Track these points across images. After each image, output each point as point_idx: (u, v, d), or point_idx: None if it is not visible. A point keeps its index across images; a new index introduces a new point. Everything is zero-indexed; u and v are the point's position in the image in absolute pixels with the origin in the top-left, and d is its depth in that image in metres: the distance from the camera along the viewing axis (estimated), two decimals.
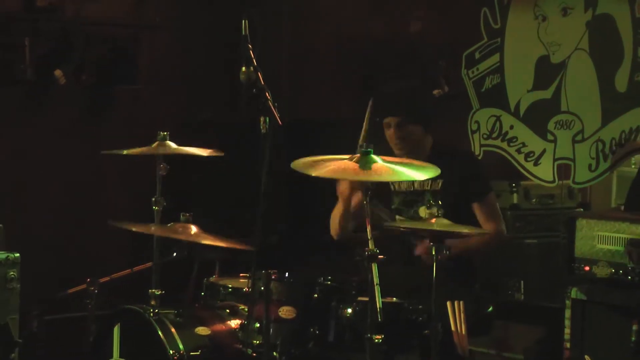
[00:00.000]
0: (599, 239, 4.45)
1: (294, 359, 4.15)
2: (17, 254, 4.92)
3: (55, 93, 6.12)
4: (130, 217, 4.74)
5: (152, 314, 4.34)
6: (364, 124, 4.72)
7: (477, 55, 5.64)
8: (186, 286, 5.03)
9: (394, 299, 4.28)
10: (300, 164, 3.87)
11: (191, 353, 4.24)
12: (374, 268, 3.83)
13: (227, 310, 4.47)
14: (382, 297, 3.83)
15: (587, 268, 4.46)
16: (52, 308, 5.36)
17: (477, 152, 5.59)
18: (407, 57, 6.35)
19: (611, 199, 5.81)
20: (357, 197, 4.69)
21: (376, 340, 3.85)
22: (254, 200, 3.72)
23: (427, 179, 4.71)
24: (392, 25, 6.57)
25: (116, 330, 4.42)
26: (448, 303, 4.25)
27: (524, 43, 5.48)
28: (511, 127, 5.51)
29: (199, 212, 4.67)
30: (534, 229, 5.75)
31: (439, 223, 4.11)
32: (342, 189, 4.71)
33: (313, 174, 3.83)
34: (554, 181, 5.38)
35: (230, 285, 4.62)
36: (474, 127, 5.64)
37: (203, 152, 4.66)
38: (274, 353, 4.11)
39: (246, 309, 4.31)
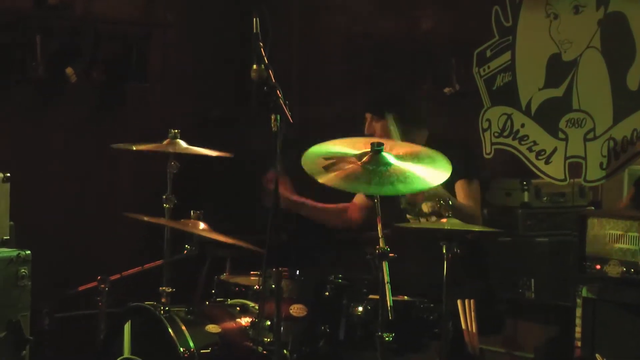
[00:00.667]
0: (610, 237, 4.44)
1: (305, 357, 4.15)
2: (28, 252, 4.93)
3: (66, 91, 6.13)
4: (141, 215, 4.75)
5: (162, 312, 4.34)
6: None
7: (488, 53, 5.63)
8: (197, 284, 5.04)
9: (405, 297, 4.28)
10: (309, 161, 3.87)
11: (201, 351, 4.24)
12: (385, 266, 3.84)
13: (238, 308, 4.48)
14: (393, 295, 3.83)
15: (598, 267, 4.45)
16: (63, 305, 5.38)
17: (488, 150, 5.58)
18: (418, 55, 6.35)
19: (622, 197, 5.79)
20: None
21: (387, 339, 3.86)
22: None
23: None
24: (403, 23, 6.56)
25: (127, 327, 4.42)
26: (459, 301, 4.25)
27: (536, 41, 5.47)
28: (522, 126, 5.50)
29: (210, 210, 4.68)
30: (545, 227, 5.74)
31: (451, 222, 4.12)
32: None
33: (320, 181, 3.81)
34: (565, 179, 5.37)
35: (241, 283, 4.62)
36: (485, 125, 5.62)
37: (212, 152, 4.66)
38: (285, 351, 4.10)
39: (257, 307, 4.31)
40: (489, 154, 5.58)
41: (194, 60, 6.67)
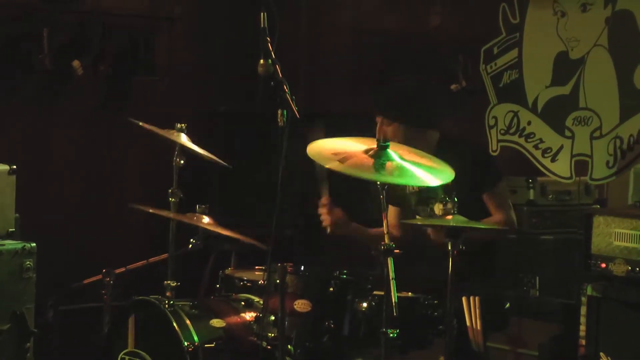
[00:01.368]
0: (615, 236, 4.44)
1: (309, 352, 4.14)
2: (34, 244, 4.94)
3: (73, 83, 6.14)
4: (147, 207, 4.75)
5: (167, 306, 4.34)
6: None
7: (495, 51, 5.62)
8: (201, 278, 5.04)
9: (410, 293, 4.28)
10: (316, 151, 3.90)
11: (206, 345, 4.24)
12: (390, 262, 3.84)
13: (242, 303, 4.48)
14: (397, 291, 3.83)
15: (603, 265, 4.45)
16: (68, 298, 5.39)
17: (494, 148, 5.58)
18: (425, 52, 6.34)
19: (628, 195, 5.78)
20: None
21: (391, 335, 3.86)
22: (270, 192, 3.72)
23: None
24: (410, 19, 6.56)
25: (131, 321, 4.43)
26: (463, 298, 4.25)
27: (543, 39, 5.46)
28: (529, 123, 5.49)
29: (215, 204, 4.68)
30: (550, 225, 5.73)
31: (455, 219, 4.12)
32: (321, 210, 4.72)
33: (327, 166, 3.90)
34: (571, 177, 5.36)
35: (245, 278, 4.62)
36: (492, 122, 5.62)
37: (212, 157, 4.65)
38: (289, 346, 4.10)
39: (261, 302, 4.32)
40: (495, 151, 5.58)
41: (201, 54, 6.68)
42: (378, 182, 3.93)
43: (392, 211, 4.79)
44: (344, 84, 6.76)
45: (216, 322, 4.34)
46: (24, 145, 5.96)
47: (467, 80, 6.06)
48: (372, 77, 6.60)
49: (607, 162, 5.19)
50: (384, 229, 3.89)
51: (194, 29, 6.65)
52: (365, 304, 4.16)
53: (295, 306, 4.13)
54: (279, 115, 3.69)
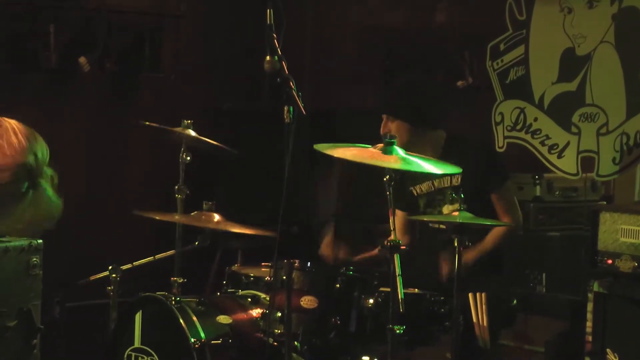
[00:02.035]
0: (622, 232, 4.43)
1: (315, 348, 4.15)
2: (40, 240, 4.93)
3: (79, 80, 6.14)
4: (153, 205, 4.76)
5: (173, 302, 4.35)
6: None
7: (502, 47, 5.62)
8: (208, 275, 5.05)
9: (416, 290, 4.28)
10: (322, 148, 3.93)
11: (212, 341, 4.25)
12: (396, 259, 3.83)
13: (249, 299, 4.48)
14: (404, 288, 3.83)
15: (609, 261, 4.45)
16: (74, 295, 5.39)
17: (500, 144, 5.57)
18: (431, 48, 6.33)
19: (635, 192, 5.78)
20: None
21: (397, 331, 3.86)
22: (277, 189, 3.72)
23: (447, 176, 4.72)
24: (416, 16, 6.55)
25: (138, 317, 4.43)
26: (470, 295, 4.25)
27: (549, 35, 5.45)
28: (535, 119, 5.49)
29: (222, 201, 4.68)
30: (557, 222, 5.73)
31: (462, 216, 4.12)
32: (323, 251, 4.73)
33: (334, 155, 3.93)
34: (577, 174, 5.36)
35: (252, 274, 4.63)
36: (498, 118, 5.61)
37: (221, 146, 4.65)
38: (295, 342, 4.11)
39: (268, 298, 4.32)
40: (501, 147, 5.57)
41: (207, 51, 6.68)
42: (385, 178, 3.92)
43: (399, 216, 4.75)
44: (350, 80, 6.76)
45: (223, 319, 4.34)
46: None
47: (474, 76, 6.05)
48: (377, 74, 6.59)
49: (614, 159, 5.18)
50: (391, 225, 3.89)
51: (200, 26, 6.64)
52: (371, 301, 4.17)
53: (301, 303, 4.14)
54: (285, 112, 3.69)
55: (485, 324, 4.23)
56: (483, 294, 4.26)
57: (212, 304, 4.45)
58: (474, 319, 4.25)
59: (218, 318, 4.34)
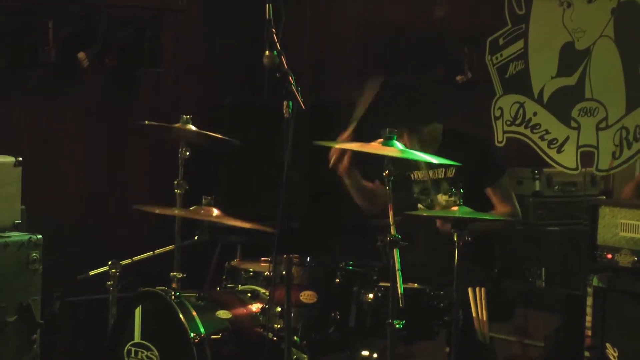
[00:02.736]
0: (621, 226, 4.43)
1: (315, 343, 4.15)
2: (40, 236, 4.94)
3: (78, 75, 6.13)
4: (152, 200, 4.76)
5: (173, 297, 4.35)
6: (363, 102, 4.67)
7: (501, 42, 5.62)
8: (208, 269, 5.05)
9: (416, 284, 4.28)
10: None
11: (212, 336, 4.25)
12: (396, 253, 3.84)
13: (249, 294, 4.48)
14: (403, 282, 3.83)
15: (609, 256, 4.44)
16: (74, 290, 5.40)
17: (500, 139, 5.57)
18: (430, 43, 6.33)
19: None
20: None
21: (397, 326, 3.86)
22: (276, 184, 3.72)
23: (441, 168, 4.74)
24: (416, 10, 6.54)
25: (137, 312, 4.43)
26: (469, 289, 4.25)
27: (549, 29, 5.45)
28: (535, 114, 5.49)
29: (221, 196, 4.68)
30: (556, 217, 5.73)
31: (461, 210, 4.12)
32: (332, 154, 4.70)
33: (336, 146, 4.03)
34: (577, 168, 5.36)
35: (251, 269, 4.63)
36: (497, 113, 5.61)
37: (222, 136, 4.66)
38: (295, 337, 4.11)
39: (267, 293, 4.32)
40: (500, 142, 5.57)
41: (207, 46, 6.67)
42: (385, 173, 3.94)
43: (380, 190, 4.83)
44: (349, 75, 6.75)
45: (222, 314, 4.34)
46: (30, 137, 5.96)
47: (473, 71, 6.05)
48: (377, 69, 6.58)
49: (613, 153, 5.18)
50: (390, 219, 3.90)
51: (199, 21, 6.63)
52: (371, 295, 4.17)
53: (301, 297, 4.14)
54: (285, 107, 3.69)
55: (484, 318, 4.24)
56: (482, 289, 4.26)
57: (212, 299, 4.45)
58: (473, 314, 4.25)
59: (218, 313, 4.34)
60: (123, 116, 6.20)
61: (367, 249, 4.63)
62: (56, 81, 6.10)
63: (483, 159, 4.79)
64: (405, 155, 4.06)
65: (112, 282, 4.71)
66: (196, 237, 4.70)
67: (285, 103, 3.69)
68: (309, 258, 4.25)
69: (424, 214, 4.75)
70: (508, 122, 5.57)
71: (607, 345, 4.40)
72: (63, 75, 6.08)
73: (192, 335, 4.21)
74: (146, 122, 4.65)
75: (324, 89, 6.65)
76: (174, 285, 4.47)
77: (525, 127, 5.51)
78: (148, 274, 4.79)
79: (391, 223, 3.88)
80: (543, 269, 5.53)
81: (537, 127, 5.47)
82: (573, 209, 5.77)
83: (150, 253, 4.86)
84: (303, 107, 3.69)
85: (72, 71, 6.09)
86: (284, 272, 3.88)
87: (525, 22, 5.54)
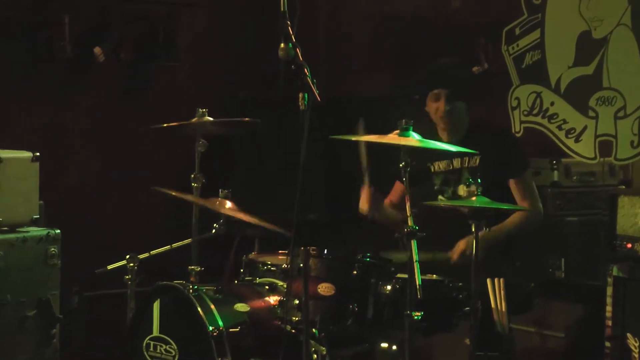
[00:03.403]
0: None
1: (333, 335, 4.14)
2: (58, 231, 4.96)
3: (94, 70, 6.15)
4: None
5: (191, 291, 4.35)
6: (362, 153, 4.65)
7: (517, 31, 5.59)
8: (225, 263, 5.04)
9: (434, 276, 4.27)
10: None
11: (230, 329, 4.25)
12: (414, 245, 3.83)
13: (266, 287, 4.48)
14: (421, 274, 3.82)
15: (629, 245, 4.43)
16: (92, 284, 5.41)
17: (517, 129, 5.55)
18: (447, 34, 6.31)
19: None
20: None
21: (415, 318, 3.85)
22: (292, 177, 3.71)
23: (465, 157, 4.73)
24: (432, 1, 6.52)
25: (156, 306, 4.44)
26: (488, 280, 4.23)
27: (565, 19, 5.42)
28: (552, 104, 5.46)
29: (238, 189, 4.68)
30: (575, 207, 5.71)
31: (480, 200, 4.10)
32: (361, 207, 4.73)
33: (353, 139, 4.05)
34: (595, 158, 5.33)
35: (269, 262, 4.62)
36: (514, 103, 5.59)
37: (242, 119, 4.67)
38: (313, 330, 4.10)
39: (285, 286, 4.31)
40: (518, 132, 5.55)
41: (221, 40, 6.67)
42: (401, 165, 3.94)
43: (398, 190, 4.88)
44: (365, 67, 6.74)
45: (240, 307, 4.34)
46: (46, 133, 5.97)
47: (489, 62, 6.03)
48: (392, 61, 6.57)
49: (632, 142, 5.15)
50: (407, 211, 3.89)
51: (214, 14, 6.63)
52: (389, 287, 4.16)
53: (319, 290, 4.13)
54: (300, 99, 3.68)
55: (503, 309, 4.22)
56: (501, 280, 4.24)
57: (230, 292, 4.45)
58: (492, 305, 4.24)
59: (236, 306, 4.34)
60: (138, 110, 6.21)
61: (384, 241, 4.62)
62: (72, 76, 6.11)
63: (508, 150, 4.79)
64: (423, 145, 4.05)
65: (130, 276, 4.71)
66: (214, 231, 4.70)
67: (301, 95, 3.68)
68: (326, 250, 4.24)
69: (442, 204, 4.73)
70: (525, 112, 5.55)
71: (628, 335, 4.39)
72: (79, 70, 6.09)
73: (210, 328, 4.21)
74: (164, 124, 4.65)
75: (339, 81, 6.64)
76: (192, 278, 4.47)
77: (543, 117, 5.48)
78: (166, 268, 4.79)
79: (408, 215, 3.87)
80: (562, 260, 5.51)
81: (555, 116, 5.45)
82: (592, 199, 5.75)
83: (168, 247, 4.86)
84: (319, 99, 3.68)
85: (88, 66, 6.10)
86: (301, 265, 3.88)
87: (541, 11, 5.51)
